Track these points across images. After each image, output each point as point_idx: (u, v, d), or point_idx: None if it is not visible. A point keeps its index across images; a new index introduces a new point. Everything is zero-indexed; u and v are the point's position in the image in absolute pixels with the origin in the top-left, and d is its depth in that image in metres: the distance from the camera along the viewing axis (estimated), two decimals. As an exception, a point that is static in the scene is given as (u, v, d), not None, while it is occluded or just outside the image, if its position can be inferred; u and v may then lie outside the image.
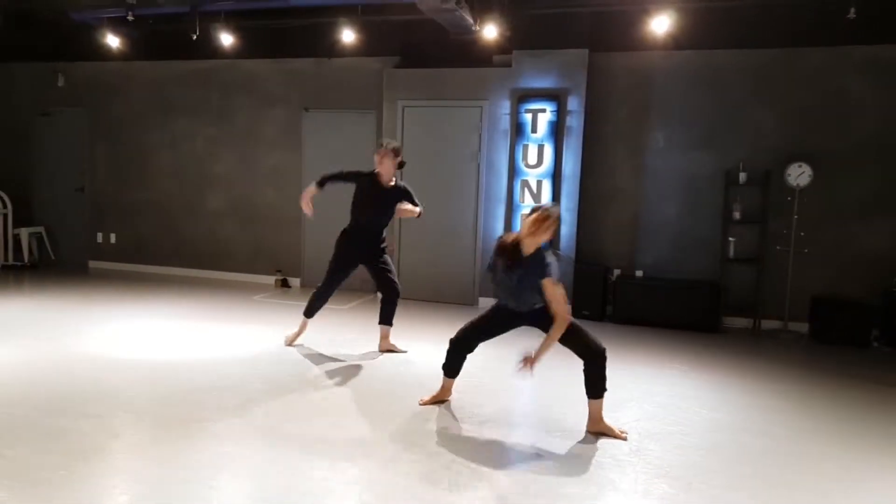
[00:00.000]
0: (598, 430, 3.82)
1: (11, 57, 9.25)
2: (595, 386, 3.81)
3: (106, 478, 3.07)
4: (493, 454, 3.53)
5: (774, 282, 6.70)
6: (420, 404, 4.17)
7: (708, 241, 6.91)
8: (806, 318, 6.56)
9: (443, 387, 4.23)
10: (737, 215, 6.71)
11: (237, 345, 5.47)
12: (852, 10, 5.34)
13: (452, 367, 4.18)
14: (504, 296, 3.91)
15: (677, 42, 6.60)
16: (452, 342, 4.12)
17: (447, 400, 4.25)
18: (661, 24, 6.17)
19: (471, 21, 6.21)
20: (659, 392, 4.68)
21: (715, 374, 5.18)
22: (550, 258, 3.73)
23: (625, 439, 3.76)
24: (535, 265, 3.69)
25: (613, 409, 4.18)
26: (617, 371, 5.10)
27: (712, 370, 5.30)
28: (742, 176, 6.64)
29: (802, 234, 6.52)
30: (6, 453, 3.26)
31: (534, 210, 3.78)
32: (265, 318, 6.53)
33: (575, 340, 3.79)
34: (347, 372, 4.86)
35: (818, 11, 6.09)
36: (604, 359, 3.79)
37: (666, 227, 7.07)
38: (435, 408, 4.15)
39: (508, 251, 3.77)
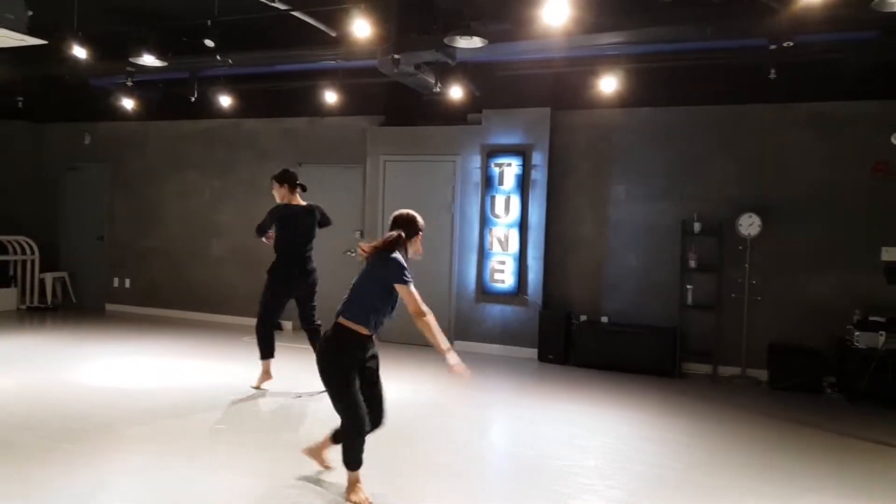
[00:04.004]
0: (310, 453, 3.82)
1: (44, 118, 10.25)
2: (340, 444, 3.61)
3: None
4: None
5: (732, 328, 6.87)
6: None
7: (668, 289, 7.14)
8: (764, 365, 6.69)
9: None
10: (692, 263, 6.95)
11: (202, 379, 5.97)
12: (772, 70, 5.67)
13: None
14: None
15: (633, 100, 7.00)
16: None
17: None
18: (609, 85, 6.59)
19: (433, 82, 6.75)
20: (604, 430, 4.95)
21: (668, 416, 5.38)
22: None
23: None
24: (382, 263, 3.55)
25: (546, 443, 4.46)
26: (574, 411, 5.40)
27: (666, 412, 5.50)
28: (697, 226, 6.90)
29: (754, 282, 6.72)
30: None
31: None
32: (246, 357, 6.99)
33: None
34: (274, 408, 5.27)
35: (757, 70, 6.43)
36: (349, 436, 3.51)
37: (628, 274, 7.34)
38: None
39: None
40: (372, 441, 3.51)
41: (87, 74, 7.46)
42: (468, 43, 5.12)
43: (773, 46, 5.37)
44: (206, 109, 8.42)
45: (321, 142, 8.70)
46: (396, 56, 5.81)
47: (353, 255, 8.49)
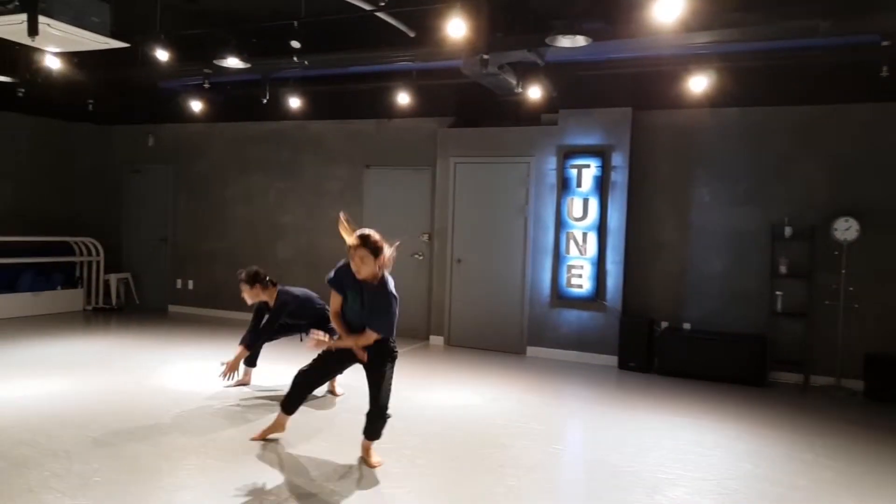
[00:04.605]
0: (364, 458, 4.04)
1: (110, 121, 10.31)
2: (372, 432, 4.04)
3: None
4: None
5: (825, 337, 6.61)
6: (251, 440, 4.34)
7: (755, 295, 6.90)
8: (859, 375, 6.42)
9: (277, 421, 4.37)
10: (783, 269, 6.71)
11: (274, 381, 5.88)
12: (885, 68, 5.40)
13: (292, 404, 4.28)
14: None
15: (720, 100, 6.76)
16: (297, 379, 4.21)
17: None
18: (699, 84, 6.37)
19: (514, 83, 6.60)
20: (696, 441, 4.77)
21: (757, 427, 5.19)
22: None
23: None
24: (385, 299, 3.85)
25: (638, 454, 4.31)
26: (661, 421, 5.23)
27: (755, 423, 5.31)
28: (787, 230, 6.66)
29: (851, 289, 6.45)
30: (75, 468, 3.72)
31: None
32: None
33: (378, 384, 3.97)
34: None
35: (860, 68, 6.16)
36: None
37: (712, 280, 7.11)
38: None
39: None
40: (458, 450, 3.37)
41: (164, 77, 7.44)
42: (571, 42, 4.96)
43: (885, 43, 5.11)
44: (272, 111, 8.36)
45: (389, 144, 8.60)
46: (486, 56, 5.66)
47: (421, 257, 8.40)
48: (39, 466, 3.78)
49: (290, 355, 5.31)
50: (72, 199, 10.40)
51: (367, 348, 3.93)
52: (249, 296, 5.41)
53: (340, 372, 4.49)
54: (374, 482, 3.80)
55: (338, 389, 5.62)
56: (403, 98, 7.56)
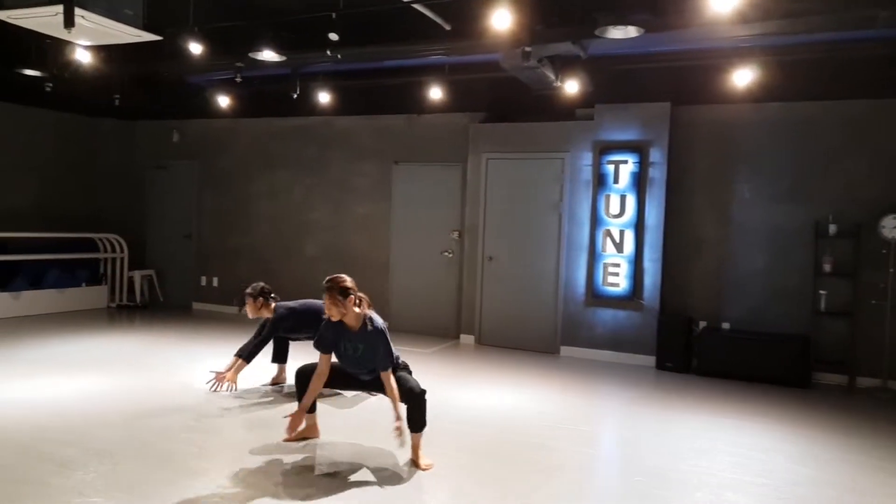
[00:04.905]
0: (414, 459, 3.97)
1: (133, 116, 10.22)
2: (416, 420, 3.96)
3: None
4: None
5: (871, 337, 6.45)
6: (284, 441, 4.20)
7: (796, 294, 6.74)
8: (908, 377, 6.27)
9: (308, 426, 4.31)
10: (827, 268, 6.55)
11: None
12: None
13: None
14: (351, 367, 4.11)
15: (763, 94, 6.61)
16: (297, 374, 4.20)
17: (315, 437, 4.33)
18: (743, 77, 6.21)
19: (553, 77, 6.46)
20: (743, 443, 4.62)
21: (803, 429, 5.05)
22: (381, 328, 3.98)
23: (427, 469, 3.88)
24: (373, 337, 3.94)
25: (695, 457, 4.18)
26: (701, 421, 5.10)
27: (800, 424, 5.17)
28: (832, 227, 6.50)
29: (900, 287, 6.30)
30: (121, 469, 3.62)
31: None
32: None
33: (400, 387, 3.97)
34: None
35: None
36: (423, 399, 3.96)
37: (752, 278, 6.95)
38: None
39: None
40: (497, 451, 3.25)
41: (195, 71, 7.34)
42: (623, 33, 4.81)
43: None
44: (298, 107, 8.24)
45: (418, 140, 8.48)
46: (528, 48, 5.53)
47: (451, 255, 8.28)
48: (84, 468, 3.68)
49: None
50: (95, 195, 10.34)
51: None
52: (252, 311, 5.31)
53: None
54: (415, 481, 3.71)
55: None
56: (435, 93, 7.43)
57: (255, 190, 9.56)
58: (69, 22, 5.06)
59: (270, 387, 5.60)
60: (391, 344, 3.98)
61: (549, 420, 5.03)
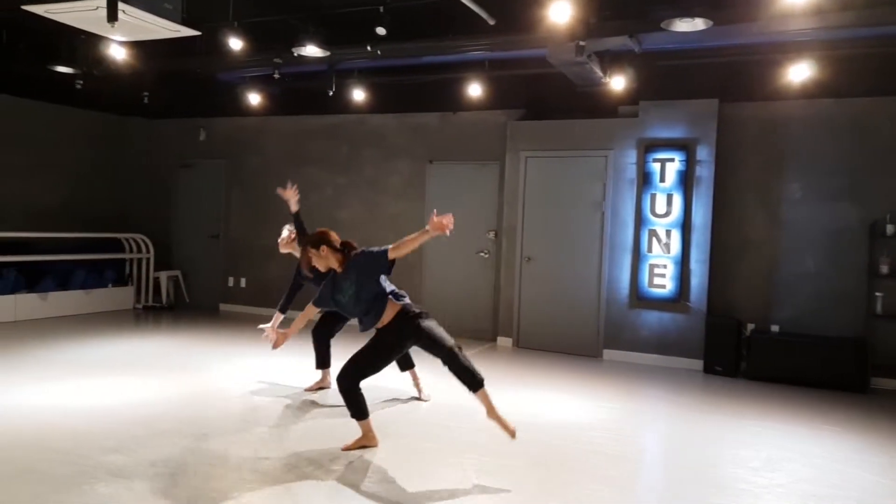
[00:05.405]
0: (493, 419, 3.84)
1: (159, 114, 10.08)
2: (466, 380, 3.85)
3: None
4: None
5: (930, 341, 6.25)
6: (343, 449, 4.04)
7: (850, 296, 6.54)
8: (970, 382, 6.05)
9: (364, 433, 4.11)
10: (884, 269, 6.34)
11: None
12: None
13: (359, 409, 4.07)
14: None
15: (815, 90, 6.42)
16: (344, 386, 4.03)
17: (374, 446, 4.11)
18: (799, 73, 6.02)
19: (600, 74, 6.28)
20: (816, 453, 4.42)
21: (873, 437, 4.86)
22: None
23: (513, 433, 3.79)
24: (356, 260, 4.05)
25: (769, 469, 3.99)
26: (763, 428, 4.91)
27: (868, 432, 4.97)
28: (889, 228, 6.30)
29: (962, 290, 6.09)
30: (179, 480, 3.46)
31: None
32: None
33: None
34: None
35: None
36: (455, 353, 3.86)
37: (803, 280, 6.75)
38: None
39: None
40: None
41: (231, 67, 7.18)
42: (689, 26, 4.63)
43: None
44: (329, 104, 8.07)
45: (454, 138, 8.31)
46: (582, 43, 5.35)
47: (487, 255, 8.10)
48: (137, 476, 3.52)
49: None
50: (122, 194, 10.22)
51: (391, 331, 4.05)
52: (284, 244, 5.98)
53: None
54: (467, 483, 3.59)
55: (424, 394, 5.33)
56: (474, 89, 7.26)
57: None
58: (112, 16, 4.93)
59: (314, 392, 5.43)
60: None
61: (599, 426, 4.83)
